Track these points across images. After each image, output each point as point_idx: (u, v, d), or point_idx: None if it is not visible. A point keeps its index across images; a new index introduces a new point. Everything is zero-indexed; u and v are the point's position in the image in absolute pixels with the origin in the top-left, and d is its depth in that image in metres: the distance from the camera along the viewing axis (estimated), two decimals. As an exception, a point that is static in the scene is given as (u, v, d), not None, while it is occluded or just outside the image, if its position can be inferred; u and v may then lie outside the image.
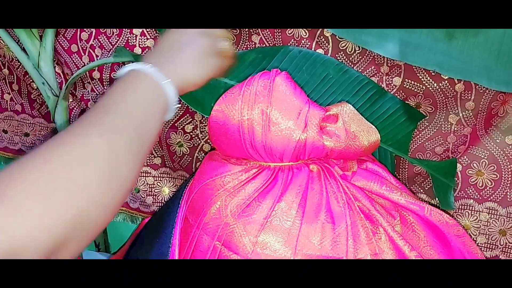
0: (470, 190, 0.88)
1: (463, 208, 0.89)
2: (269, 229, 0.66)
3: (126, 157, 0.50)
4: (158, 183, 1.07)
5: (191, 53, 0.66)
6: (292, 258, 0.64)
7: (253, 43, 0.90)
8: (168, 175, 1.07)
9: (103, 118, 0.51)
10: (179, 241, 0.76)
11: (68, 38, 1.00)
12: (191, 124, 0.99)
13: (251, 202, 0.68)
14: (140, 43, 0.95)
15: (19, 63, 1.08)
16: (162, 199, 1.08)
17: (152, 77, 0.58)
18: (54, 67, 1.04)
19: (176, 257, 0.74)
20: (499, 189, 0.86)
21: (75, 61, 1.02)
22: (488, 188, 0.87)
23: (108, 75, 1.01)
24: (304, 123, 0.68)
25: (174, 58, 0.64)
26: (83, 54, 1.01)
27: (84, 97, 1.05)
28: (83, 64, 1.01)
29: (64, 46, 1.01)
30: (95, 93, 1.04)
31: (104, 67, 1.00)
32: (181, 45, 0.66)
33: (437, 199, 0.90)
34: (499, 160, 0.85)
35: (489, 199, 0.87)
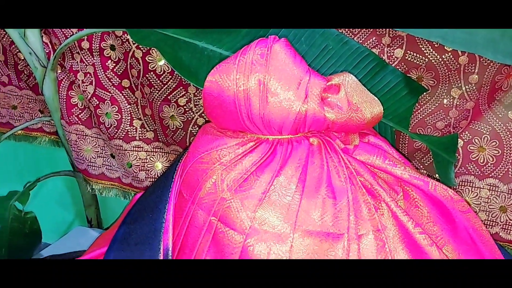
0: (471, 166, 0.87)
1: (463, 184, 0.88)
2: (268, 204, 0.63)
3: None
4: (151, 158, 1.05)
5: None
6: (291, 234, 0.62)
7: (250, 12, 0.87)
8: (161, 150, 1.04)
9: None
10: (173, 217, 0.74)
11: (56, 6, 0.96)
12: (184, 97, 0.96)
13: (248, 176, 0.66)
14: (131, 11, 0.91)
15: (4, 32, 1.04)
16: (155, 174, 1.05)
17: None
18: (42, 36, 1.01)
19: (170, 233, 0.72)
20: (500, 165, 0.85)
21: (63, 30, 0.98)
22: (489, 164, 0.85)
23: (97, 45, 0.97)
24: (305, 93, 0.65)
25: None
26: (71, 22, 0.97)
27: (73, 68, 1.01)
28: (71, 33, 0.97)
29: (51, 14, 0.97)
30: (84, 64, 1.00)
31: (94, 36, 0.96)
32: None
33: (437, 175, 0.88)
34: (502, 135, 0.83)
35: (490, 175, 0.86)
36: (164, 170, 1.00)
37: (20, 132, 1.18)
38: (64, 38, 0.98)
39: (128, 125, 1.03)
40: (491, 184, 0.86)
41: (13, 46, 1.05)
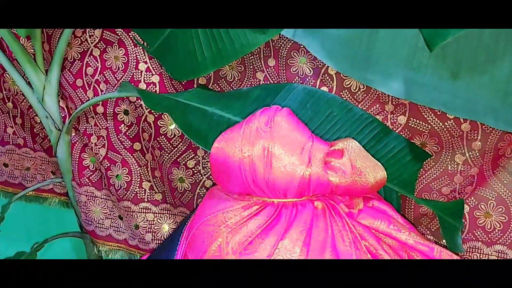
0: (478, 232, 0.86)
1: (471, 250, 0.87)
2: (272, 267, 0.63)
3: None
4: (158, 220, 1.05)
5: None
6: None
7: (258, 80, 0.90)
8: (168, 212, 1.05)
9: None
10: (178, 280, 0.73)
11: (74, 73, 1.01)
12: (193, 159, 0.98)
13: (253, 239, 0.66)
14: (145, 78, 0.95)
15: (23, 97, 1.08)
16: (161, 236, 1.05)
17: None
18: (59, 101, 1.04)
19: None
20: (508, 232, 0.84)
21: (79, 95, 1.02)
22: (496, 230, 0.85)
23: (112, 110, 1.01)
24: (308, 158, 0.66)
25: None
26: (88, 88, 1.01)
27: (87, 132, 1.04)
28: (87, 98, 1.01)
29: (69, 80, 1.02)
30: (98, 128, 1.03)
31: (108, 101, 1.00)
32: None
33: (444, 241, 0.87)
34: (508, 201, 0.83)
35: (498, 241, 0.85)
36: (171, 232, 1.00)
37: (31, 193, 1.20)
38: (80, 102, 1.02)
39: (137, 187, 1.04)
40: (500, 251, 0.85)
41: (31, 110, 1.09)
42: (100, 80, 0.99)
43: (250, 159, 0.67)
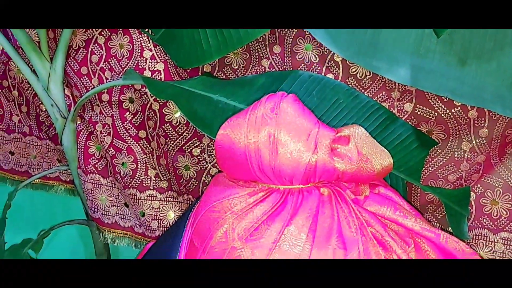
0: (485, 220, 0.86)
1: (477, 238, 0.87)
2: (278, 254, 0.64)
3: None
4: (164, 207, 1.06)
5: None
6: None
7: (263, 67, 0.90)
8: (174, 199, 1.05)
9: None
10: (184, 266, 0.74)
11: (79, 61, 1.01)
12: (198, 147, 0.98)
13: (259, 225, 0.66)
14: (150, 66, 0.95)
15: (28, 85, 1.08)
16: (167, 223, 1.06)
17: None
18: (64, 89, 1.04)
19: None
20: (514, 219, 0.84)
21: (84, 83, 1.02)
22: (503, 217, 0.84)
23: (117, 98, 1.01)
24: (314, 144, 0.66)
25: None
26: (93, 76, 1.01)
27: (92, 119, 1.05)
28: (92, 86, 1.01)
29: (74, 68, 1.01)
30: (103, 116, 1.03)
31: (114, 89, 1.00)
32: None
33: (450, 228, 0.87)
34: (514, 189, 0.83)
35: (504, 229, 0.85)
36: (176, 220, 1.00)
37: (37, 180, 1.21)
38: (85, 90, 1.02)
39: (143, 175, 1.05)
40: (506, 238, 0.85)
41: (36, 98, 1.09)
42: (105, 68, 0.99)
43: (255, 146, 0.67)
